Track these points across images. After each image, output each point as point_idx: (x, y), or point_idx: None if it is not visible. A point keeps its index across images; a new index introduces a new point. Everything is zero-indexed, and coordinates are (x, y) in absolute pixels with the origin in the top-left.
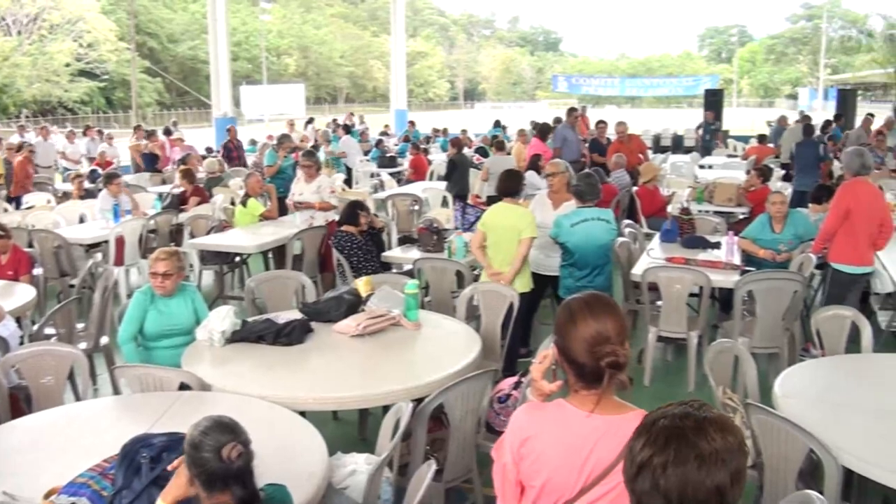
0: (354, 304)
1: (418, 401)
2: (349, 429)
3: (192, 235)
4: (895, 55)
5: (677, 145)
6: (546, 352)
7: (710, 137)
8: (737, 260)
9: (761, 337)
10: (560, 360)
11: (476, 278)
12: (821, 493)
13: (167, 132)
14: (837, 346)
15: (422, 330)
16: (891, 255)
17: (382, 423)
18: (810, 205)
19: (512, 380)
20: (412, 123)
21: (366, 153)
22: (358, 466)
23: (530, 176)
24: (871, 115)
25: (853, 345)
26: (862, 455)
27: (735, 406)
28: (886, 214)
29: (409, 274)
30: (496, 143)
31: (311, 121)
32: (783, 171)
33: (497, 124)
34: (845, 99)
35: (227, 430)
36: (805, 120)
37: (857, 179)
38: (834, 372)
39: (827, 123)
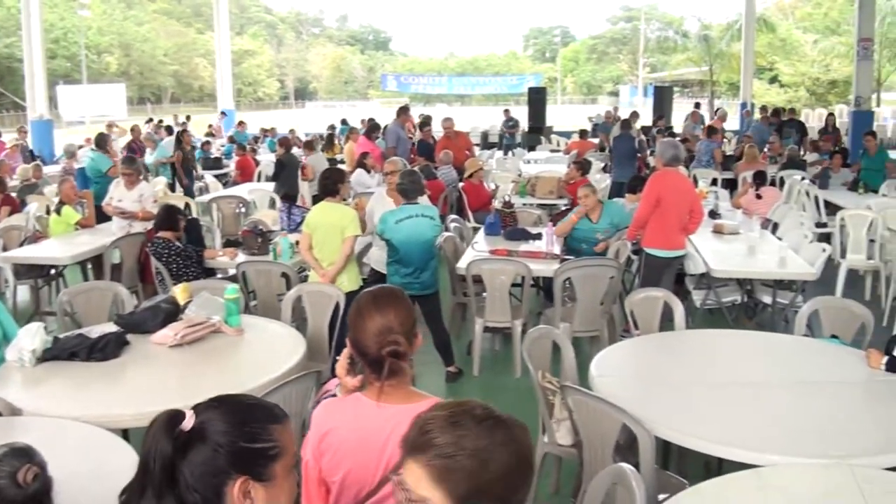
0: (172, 312)
1: None
2: None
3: (5, 248)
4: (708, 54)
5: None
6: (349, 349)
7: (505, 133)
8: (556, 249)
9: (581, 321)
10: (354, 355)
11: (304, 280)
12: (638, 464)
13: None
14: (652, 325)
15: (244, 335)
16: (702, 239)
17: None
18: (627, 194)
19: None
20: (241, 124)
21: None
22: None
23: (358, 174)
24: (698, 107)
25: (670, 323)
26: (674, 425)
27: (554, 389)
28: (696, 201)
29: (233, 279)
30: (305, 143)
31: (150, 121)
32: (603, 164)
33: (344, 122)
34: (662, 95)
35: (20, 454)
36: (634, 117)
37: (668, 169)
38: (647, 350)
39: (659, 118)
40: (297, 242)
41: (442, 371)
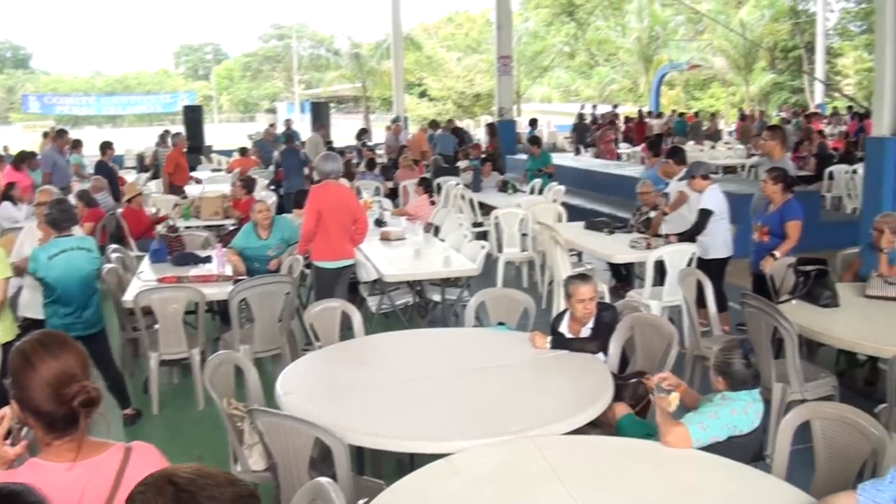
0: None
1: None
2: None
3: None
4: (361, 71)
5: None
6: (3, 411)
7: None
8: (228, 271)
9: (261, 341)
10: (22, 416)
11: None
12: (335, 474)
13: None
14: (333, 336)
15: None
16: (371, 247)
17: None
18: (294, 209)
19: None
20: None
21: None
22: None
23: (4, 208)
24: (396, 120)
25: (349, 332)
26: (364, 429)
27: (242, 414)
28: (359, 212)
29: None
30: None
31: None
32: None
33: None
34: (319, 111)
35: None
36: (315, 131)
37: (326, 182)
38: (330, 360)
39: (362, 132)
40: None
41: (118, 415)
